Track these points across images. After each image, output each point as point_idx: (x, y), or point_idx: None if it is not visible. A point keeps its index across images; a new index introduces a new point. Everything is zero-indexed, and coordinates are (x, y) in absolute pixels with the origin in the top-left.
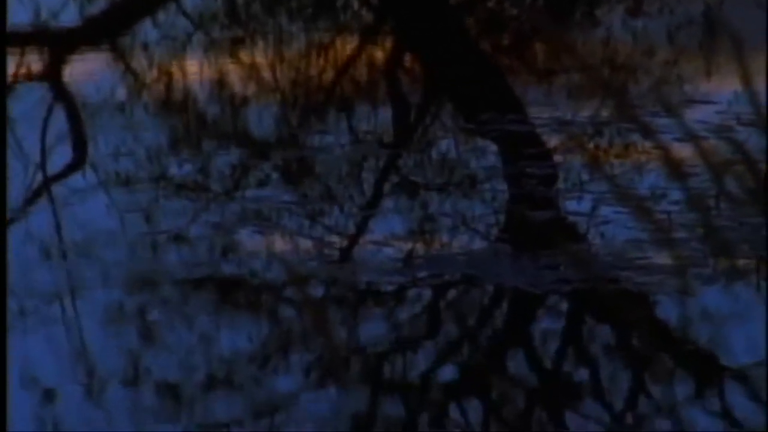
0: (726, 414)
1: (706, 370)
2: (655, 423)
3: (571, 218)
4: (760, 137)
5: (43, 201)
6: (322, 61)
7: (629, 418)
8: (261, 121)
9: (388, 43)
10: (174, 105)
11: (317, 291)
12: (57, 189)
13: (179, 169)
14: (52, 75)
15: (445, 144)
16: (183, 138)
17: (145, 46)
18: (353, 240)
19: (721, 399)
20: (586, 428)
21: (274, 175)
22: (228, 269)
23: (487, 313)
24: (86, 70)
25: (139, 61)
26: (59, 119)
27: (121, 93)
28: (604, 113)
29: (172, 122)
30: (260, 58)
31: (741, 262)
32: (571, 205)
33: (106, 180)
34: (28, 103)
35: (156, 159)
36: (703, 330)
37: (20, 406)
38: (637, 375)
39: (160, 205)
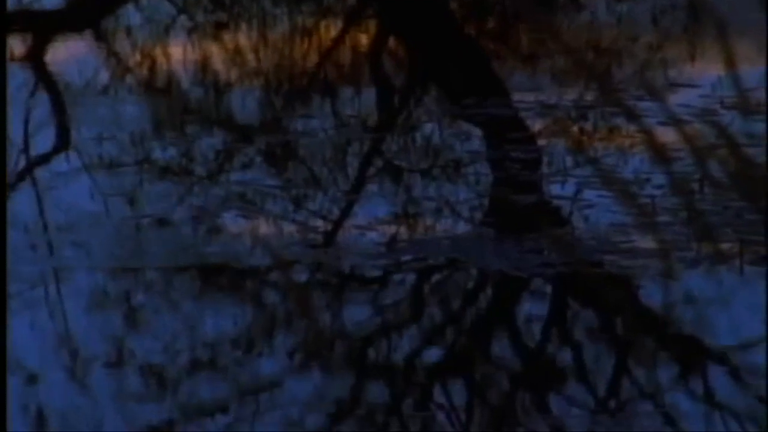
0: (709, 396)
1: (689, 353)
2: (638, 405)
3: (554, 202)
4: (744, 121)
5: (26, 184)
6: (306, 44)
7: (613, 401)
8: (245, 104)
9: (372, 27)
10: (157, 89)
11: (301, 275)
12: (40, 172)
13: (163, 152)
14: (35, 58)
15: (429, 128)
16: (166, 121)
17: (129, 30)
18: (337, 224)
19: (704, 382)
20: (569, 411)
21: (258, 159)
22: (212, 253)
23: (471, 296)
24: (69, 53)
25: (122, 45)
26: (42, 103)
27: (105, 76)
28: (588, 97)
29: (156, 106)
30: (244, 42)
31: (724, 245)
32: (555, 189)
33: (90, 163)
34: (11, 87)
35: (139, 142)
36: (686, 313)
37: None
38: (620, 358)
39: (144, 189)
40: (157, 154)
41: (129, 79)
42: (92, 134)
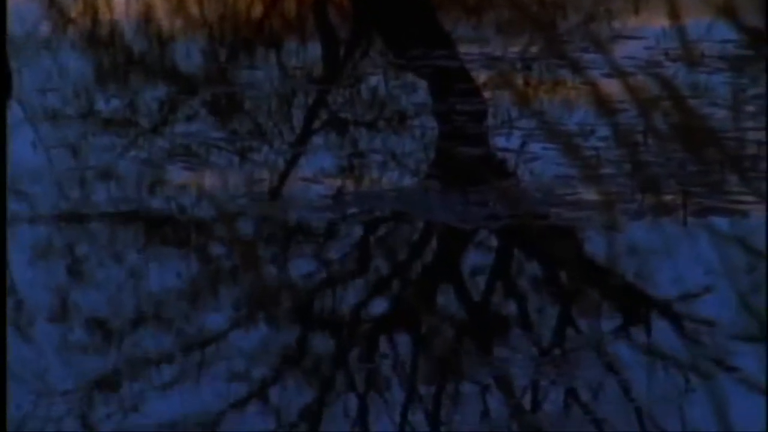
0: (651, 346)
1: (633, 304)
2: (581, 355)
3: (500, 154)
4: (688, 73)
5: None
6: None
7: (556, 350)
8: (189, 56)
9: None
10: (100, 40)
11: (247, 227)
12: None
13: (106, 104)
14: None
15: (374, 80)
16: (110, 73)
17: None
18: (283, 176)
19: (646, 331)
20: (514, 360)
21: (203, 111)
22: (156, 205)
23: (416, 248)
24: (10, 4)
25: None
26: None
27: (47, 27)
28: (533, 49)
29: (99, 57)
30: None
31: (667, 197)
32: (500, 141)
33: (33, 115)
34: None
35: (83, 94)
36: (629, 264)
37: None
38: (564, 308)
39: (88, 141)
40: (101, 105)
41: (71, 30)
42: (35, 85)
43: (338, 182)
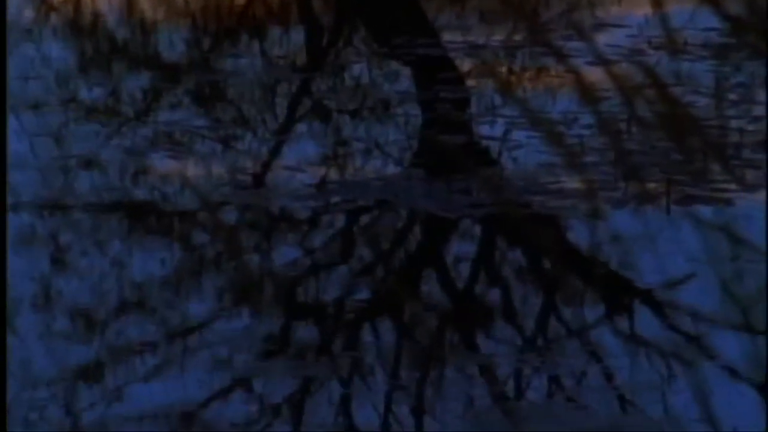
0: (634, 334)
1: (616, 292)
2: (565, 343)
3: (483, 143)
4: (671, 61)
5: None
6: None
7: (540, 339)
8: (172, 44)
9: None
10: (83, 27)
11: (230, 216)
12: None
13: (89, 92)
14: None
15: (358, 68)
16: (93, 61)
17: None
18: (266, 165)
19: (629, 320)
20: (497, 350)
21: (186, 100)
22: (140, 194)
23: (400, 237)
24: None
25: None
26: None
27: (29, 15)
28: (517, 37)
29: (82, 45)
30: None
31: (651, 185)
32: (483, 129)
33: (15, 103)
34: None
35: (65, 82)
36: (613, 252)
37: None
38: (548, 297)
39: (71, 129)
40: (84, 93)
41: (54, 17)
42: (17, 73)
43: (322, 171)
